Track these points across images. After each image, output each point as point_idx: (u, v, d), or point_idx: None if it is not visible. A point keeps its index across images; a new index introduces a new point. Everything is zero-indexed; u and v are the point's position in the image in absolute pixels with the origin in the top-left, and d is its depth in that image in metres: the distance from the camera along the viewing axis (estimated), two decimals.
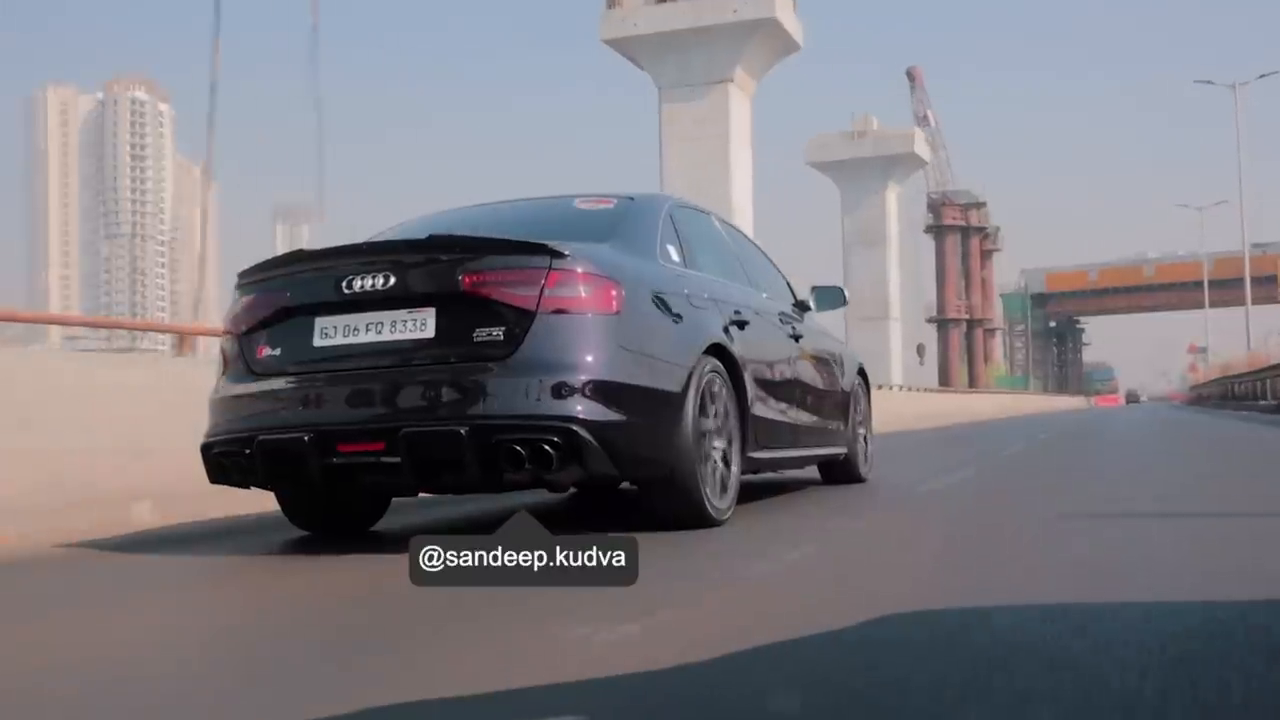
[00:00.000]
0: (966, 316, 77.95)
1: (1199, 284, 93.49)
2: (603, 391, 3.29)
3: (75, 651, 2.17)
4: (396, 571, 2.12)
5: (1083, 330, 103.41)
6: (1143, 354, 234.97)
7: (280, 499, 3.93)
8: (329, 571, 3.20)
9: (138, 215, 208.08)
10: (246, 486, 3.68)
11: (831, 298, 5.43)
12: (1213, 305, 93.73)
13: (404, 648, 2.04)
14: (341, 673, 1.89)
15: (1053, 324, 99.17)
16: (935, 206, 78.26)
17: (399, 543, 2.93)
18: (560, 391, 3.23)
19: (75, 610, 2.71)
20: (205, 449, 3.63)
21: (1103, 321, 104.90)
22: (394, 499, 4.32)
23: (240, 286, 3.74)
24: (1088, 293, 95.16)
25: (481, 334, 3.28)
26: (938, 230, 78.69)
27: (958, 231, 78.87)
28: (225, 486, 3.70)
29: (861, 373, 5.91)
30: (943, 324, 76.84)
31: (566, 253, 3.36)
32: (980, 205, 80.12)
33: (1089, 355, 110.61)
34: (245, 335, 3.63)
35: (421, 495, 4.28)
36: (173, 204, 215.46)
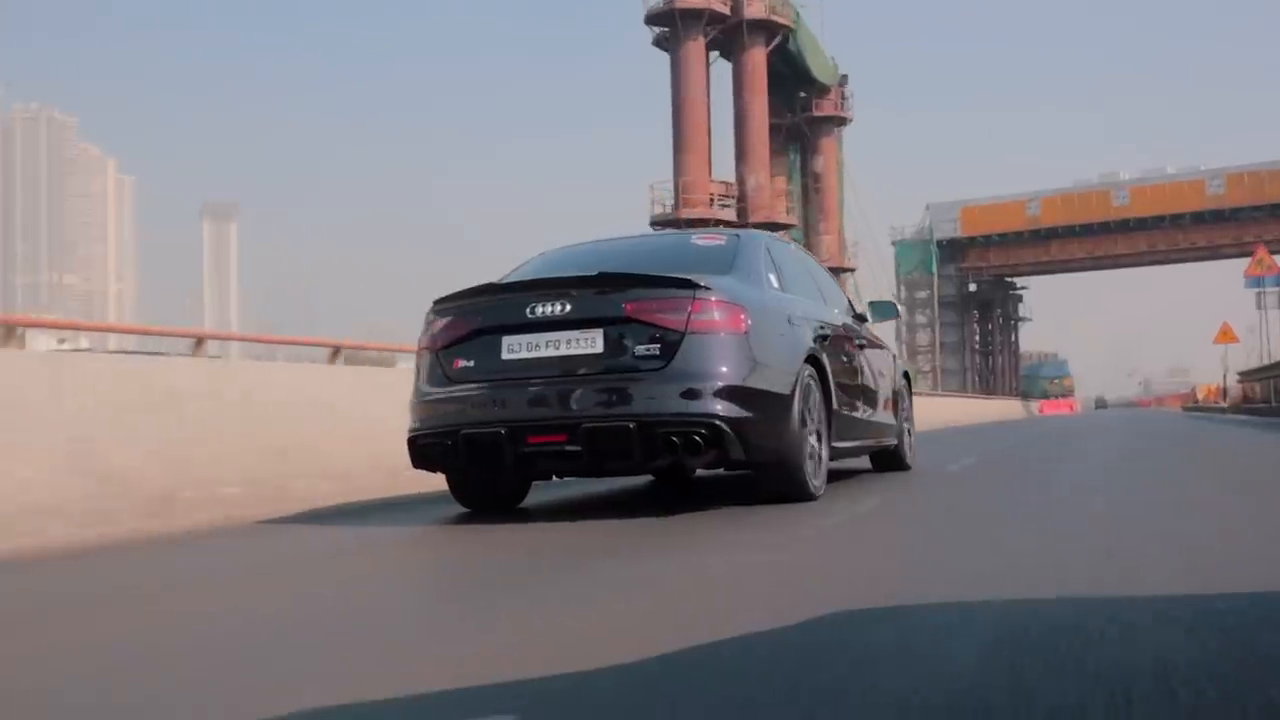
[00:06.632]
0: (733, 220, 36.89)
1: (1199, 216, 58.90)
2: (737, 394, 4.43)
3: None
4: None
5: (1020, 297, 67.87)
6: (1097, 344, 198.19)
7: (450, 482, 5.14)
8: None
9: None
10: (440, 471, 4.97)
11: (885, 310, 6.93)
12: (1216, 254, 59.24)
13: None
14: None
15: (973, 286, 64.22)
16: None
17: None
18: (706, 395, 4.36)
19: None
20: (412, 440, 4.83)
21: (1048, 286, 68.66)
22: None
23: (436, 311, 4.88)
24: (1025, 235, 60.88)
25: (641, 349, 4.42)
26: (671, 28, 38.02)
27: (708, 33, 37.89)
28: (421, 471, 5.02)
29: (906, 375, 7.37)
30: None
31: (706, 285, 4.48)
32: None
33: (1029, 340, 75.58)
34: (443, 350, 4.76)
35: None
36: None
